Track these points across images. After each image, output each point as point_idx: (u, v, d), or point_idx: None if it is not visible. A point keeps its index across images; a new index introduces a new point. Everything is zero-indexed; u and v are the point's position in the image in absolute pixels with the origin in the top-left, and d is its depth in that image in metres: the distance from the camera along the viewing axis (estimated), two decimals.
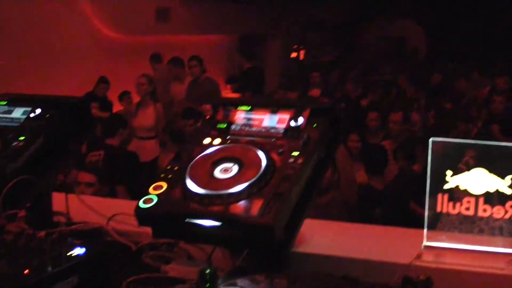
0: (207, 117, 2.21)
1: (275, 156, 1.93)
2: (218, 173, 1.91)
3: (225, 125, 2.12)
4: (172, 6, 13.10)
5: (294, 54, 18.13)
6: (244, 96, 10.29)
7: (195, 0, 13.44)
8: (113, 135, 7.10)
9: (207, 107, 7.36)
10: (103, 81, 10.30)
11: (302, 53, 18.23)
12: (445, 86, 11.49)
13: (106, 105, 9.77)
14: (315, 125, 2.02)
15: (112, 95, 10.28)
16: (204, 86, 9.83)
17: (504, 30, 15.98)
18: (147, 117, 8.58)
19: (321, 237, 2.31)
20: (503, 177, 2.08)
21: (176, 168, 1.99)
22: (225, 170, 1.91)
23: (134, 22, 12.18)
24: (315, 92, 10.54)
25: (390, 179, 6.51)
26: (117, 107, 10.21)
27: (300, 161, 1.90)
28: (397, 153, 6.65)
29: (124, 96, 10.10)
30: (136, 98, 9.45)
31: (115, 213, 2.40)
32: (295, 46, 18.03)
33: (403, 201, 6.12)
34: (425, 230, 2.18)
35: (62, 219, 2.41)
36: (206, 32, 14.11)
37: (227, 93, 12.55)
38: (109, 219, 2.39)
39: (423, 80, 12.46)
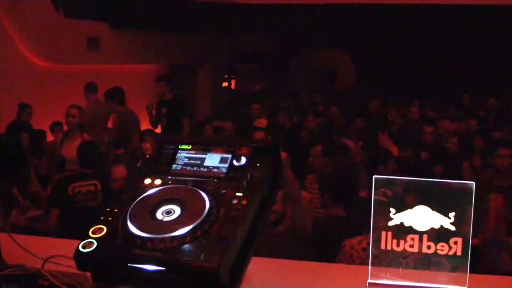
0: (147, 156, 2.15)
1: (218, 197, 1.89)
2: (160, 215, 1.85)
3: (165, 165, 2.07)
4: (102, 35, 13.00)
5: (225, 84, 18.19)
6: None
7: (125, 29, 13.38)
8: (92, 164, 6.72)
9: (147, 145, 7.29)
10: (25, 106, 10.08)
11: (233, 82, 18.31)
12: (377, 116, 11.64)
13: (37, 135, 9.49)
14: (258, 164, 1.99)
15: (44, 125, 10.06)
16: (124, 117, 9.76)
17: (434, 61, 16.39)
18: (74, 149, 8.38)
19: (268, 275, 2.27)
20: (446, 213, 2.09)
21: (116, 210, 1.92)
22: (167, 212, 1.85)
23: (64, 51, 12.02)
24: (262, 121, 10.37)
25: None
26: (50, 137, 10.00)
27: (244, 202, 1.86)
28: (321, 188, 6.60)
29: (55, 126, 9.92)
30: None
31: (50, 253, 2.29)
32: (226, 76, 18.09)
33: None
34: (369, 267, 2.17)
35: None
36: (137, 62, 14.04)
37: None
38: (45, 261, 2.28)
39: (353, 110, 12.59)
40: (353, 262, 5.02)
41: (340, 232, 5.92)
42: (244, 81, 18.54)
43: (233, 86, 18.36)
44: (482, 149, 8.82)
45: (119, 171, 6.37)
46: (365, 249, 5.18)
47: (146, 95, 11.97)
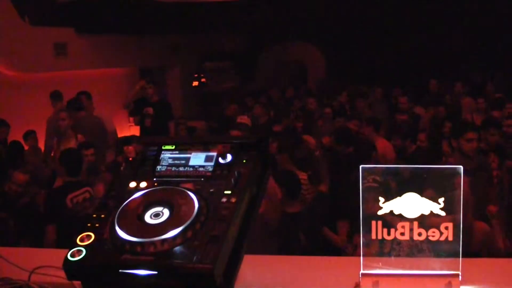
0: (130, 159, 2.11)
1: (207, 197, 1.86)
2: (148, 218, 1.81)
3: (150, 167, 2.04)
4: (68, 41, 12.85)
5: (195, 83, 18.13)
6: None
7: (92, 33, 13.26)
8: (78, 171, 6.63)
9: (130, 148, 7.25)
10: (3, 124, 9.92)
11: (203, 81, 18.27)
12: (348, 107, 11.67)
13: (14, 147, 9.34)
14: (244, 161, 1.97)
15: (16, 135, 9.93)
16: (86, 121, 9.72)
17: (405, 52, 16.46)
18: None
19: (259, 272, 2.25)
20: (435, 199, 2.08)
21: (102, 216, 1.89)
22: (156, 215, 1.82)
23: (32, 59, 11.88)
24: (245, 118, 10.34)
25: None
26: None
27: (233, 200, 1.83)
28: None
29: (29, 135, 9.82)
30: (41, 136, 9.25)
31: (38, 264, 2.24)
32: (196, 75, 18.03)
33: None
34: (361, 258, 2.15)
35: None
36: (106, 66, 13.94)
37: (130, 125, 12.41)
38: (31, 272, 2.22)
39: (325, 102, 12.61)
40: None
41: (295, 228, 6.00)
42: (214, 80, 18.50)
43: (203, 85, 18.31)
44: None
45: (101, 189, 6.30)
46: None
47: (116, 98, 11.90)
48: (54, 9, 12.42)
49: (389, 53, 16.81)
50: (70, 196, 6.25)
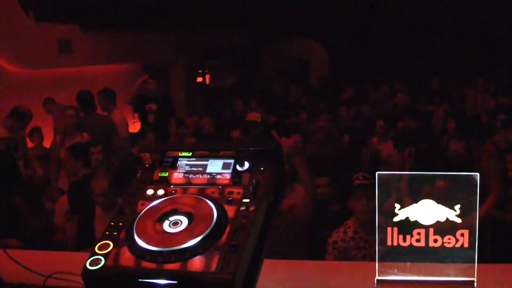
0: (147, 165, 2.11)
1: (225, 205, 1.86)
2: (167, 227, 1.81)
3: (166, 174, 2.04)
4: (73, 37, 12.83)
5: (199, 79, 18.10)
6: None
7: (96, 30, 13.24)
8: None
9: (146, 155, 7.17)
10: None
11: (207, 77, 18.24)
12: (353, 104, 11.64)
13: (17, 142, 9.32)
14: (262, 168, 1.96)
15: None
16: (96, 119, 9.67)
17: (409, 49, 16.42)
18: None
19: (276, 276, 2.25)
20: (451, 206, 2.08)
21: (120, 224, 1.88)
22: (175, 223, 1.81)
23: (35, 55, 11.86)
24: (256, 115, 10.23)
25: None
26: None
27: (252, 208, 1.83)
28: None
29: (34, 132, 9.79)
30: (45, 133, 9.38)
31: (52, 269, 2.22)
32: (200, 71, 17.99)
33: None
34: (376, 264, 2.15)
35: None
36: (110, 62, 13.91)
37: (135, 121, 12.38)
38: (47, 278, 2.21)
39: (330, 100, 12.58)
40: (349, 255, 5.05)
41: None
42: (218, 76, 18.47)
43: (207, 82, 18.28)
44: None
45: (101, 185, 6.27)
46: (354, 238, 5.23)
47: (120, 95, 11.88)
48: (59, 5, 12.39)
49: (394, 50, 16.76)
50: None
